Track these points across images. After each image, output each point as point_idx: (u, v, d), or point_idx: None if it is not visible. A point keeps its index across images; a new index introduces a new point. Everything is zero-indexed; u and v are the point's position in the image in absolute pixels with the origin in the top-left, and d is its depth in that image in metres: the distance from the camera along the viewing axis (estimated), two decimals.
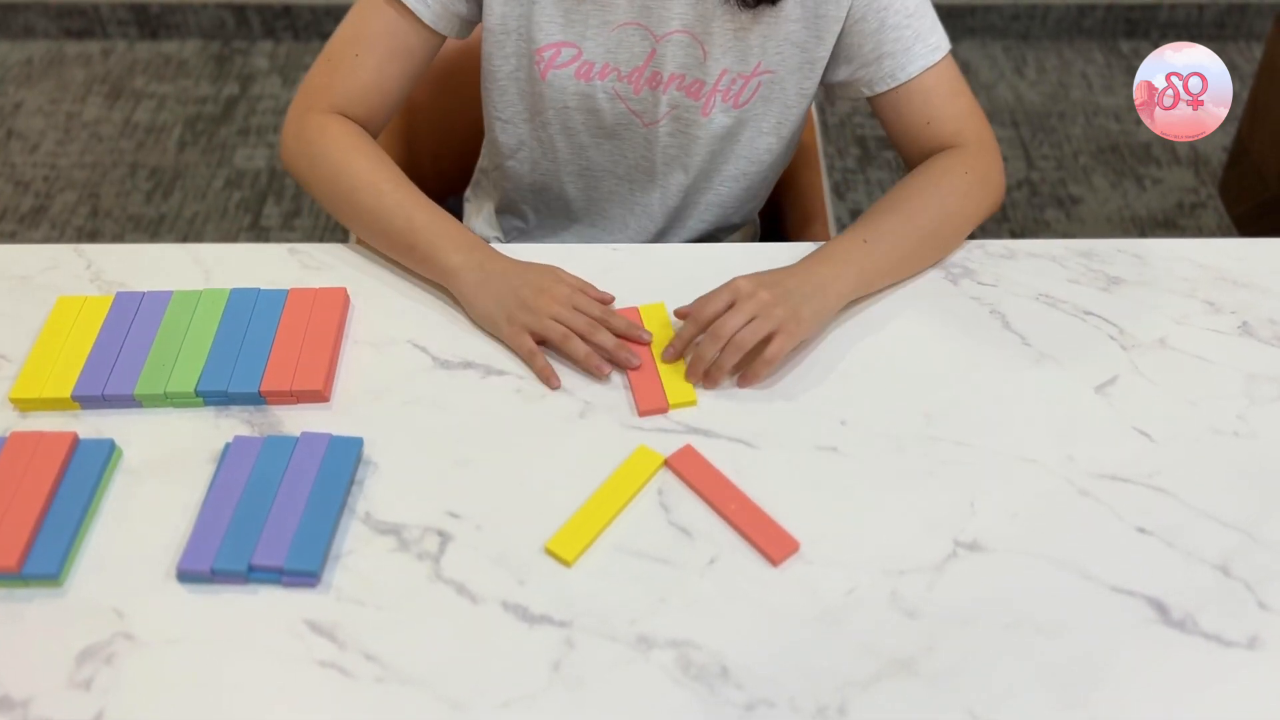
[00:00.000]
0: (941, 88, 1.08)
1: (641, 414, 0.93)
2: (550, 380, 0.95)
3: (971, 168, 1.07)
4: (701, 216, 1.22)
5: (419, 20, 1.05)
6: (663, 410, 0.94)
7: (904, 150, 1.13)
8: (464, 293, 1.00)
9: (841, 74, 1.11)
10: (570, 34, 1.06)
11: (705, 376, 0.95)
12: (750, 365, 0.95)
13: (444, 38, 1.08)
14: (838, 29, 1.07)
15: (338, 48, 1.07)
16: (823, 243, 1.04)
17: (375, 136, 1.10)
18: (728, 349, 0.93)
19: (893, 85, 1.08)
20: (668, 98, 1.10)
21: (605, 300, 1.01)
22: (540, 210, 1.25)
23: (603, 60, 1.08)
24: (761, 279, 0.97)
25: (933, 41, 1.07)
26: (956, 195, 1.06)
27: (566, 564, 0.83)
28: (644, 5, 1.04)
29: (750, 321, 0.93)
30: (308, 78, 1.09)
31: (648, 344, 0.98)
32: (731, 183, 1.20)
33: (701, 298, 0.97)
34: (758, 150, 1.17)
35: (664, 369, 0.96)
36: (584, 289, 1.00)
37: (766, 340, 0.94)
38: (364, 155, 1.05)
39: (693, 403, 0.94)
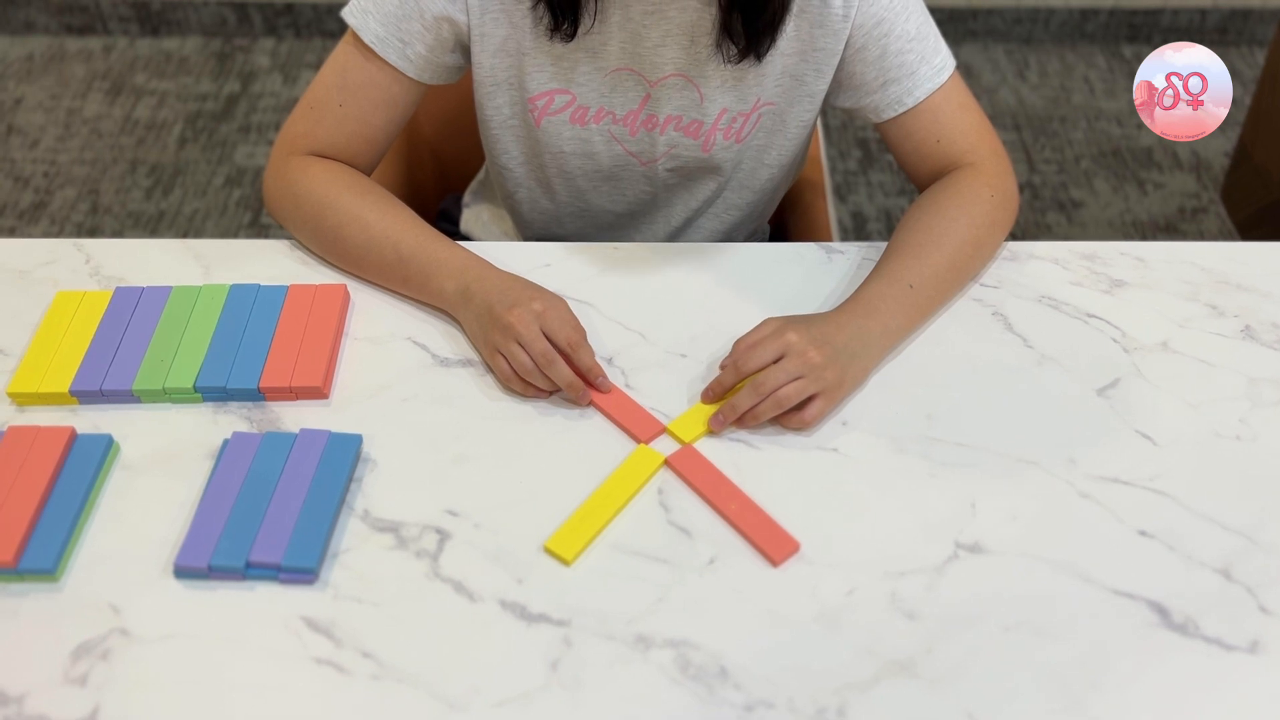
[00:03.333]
0: (950, 105, 1.06)
1: (644, 442, 0.92)
2: (536, 395, 0.94)
3: (995, 188, 1.04)
4: (704, 239, 1.22)
5: (401, 72, 1.02)
6: (660, 432, 0.92)
7: (914, 169, 1.10)
8: (458, 317, 0.99)
9: (846, 101, 1.09)
10: (562, 81, 1.04)
11: (736, 422, 0.91)
12: (784, 418, 0.91)
13: (426, 84, 1.05)
14: (835, 61, 1.04)
15: (320, 95, 1.04)
16: (865, 283, 0.99)
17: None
18: (767, 403, 0.89)
19: (900, 111, 1.05)
20: (666, 138, 1.08)
21: (577, 331, 0.94)
22: (543, 238, 1.24)
23: (597, 105, 1.06)
24: (812, 333, 0.92)
25: (937, 62, 1.04)
26: (986, 222, 1.03)
27: (566, 563, 0.83)
28: (635, 53, 1.02)
29: (795, 380, 0.89)
30: (289, 123, 1.06)
31: (607, 393, 0.94)
32: (735, 210, 1.19)
33: (748, 342, 0.93)
34: (760, 179, 1.16)
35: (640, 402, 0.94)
36: (563, 316, 0.94)
37: (807, 400, 0.90)
38: (348, 188, 1.03)
39: (688, 441, 0.92)
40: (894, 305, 0.97)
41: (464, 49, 1.05)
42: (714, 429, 0.92)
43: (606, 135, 1.08)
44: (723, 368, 0.94)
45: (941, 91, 1.05)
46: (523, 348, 0.92)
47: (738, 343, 0.94)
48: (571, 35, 1.00)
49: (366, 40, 1.01)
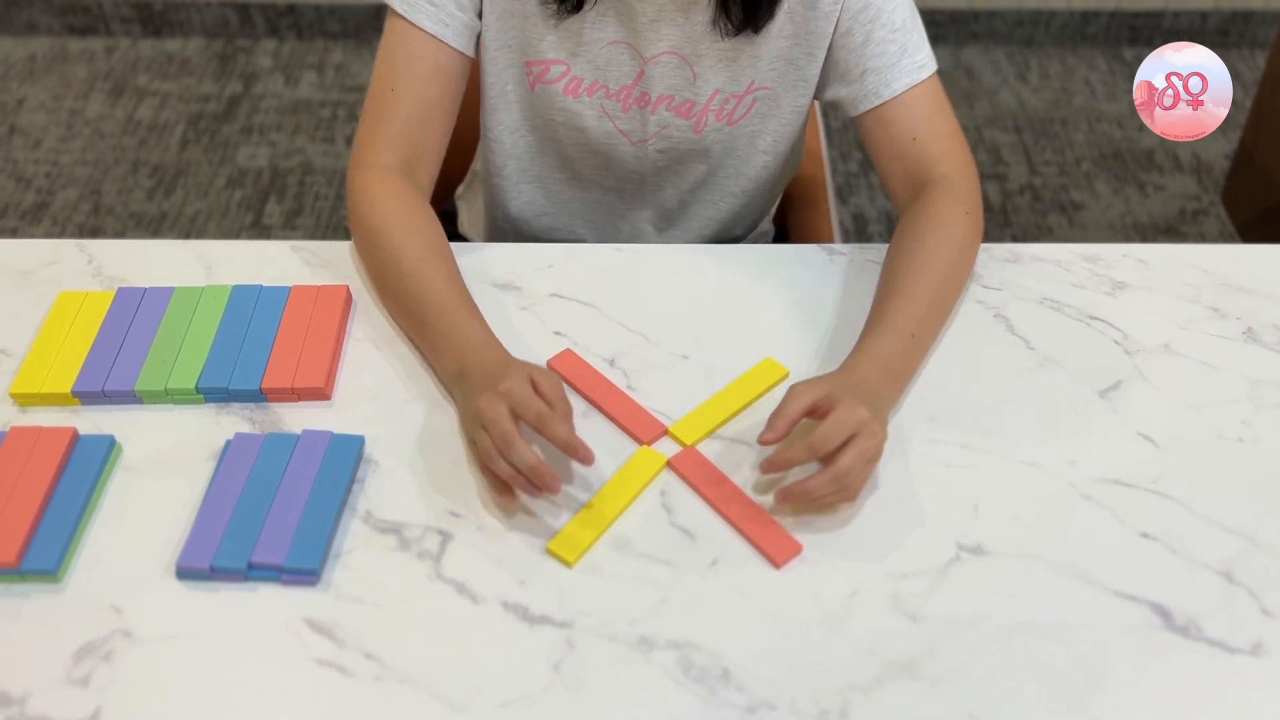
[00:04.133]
0: (927, 104, 1.05)
1: (646, 443, 0.92)
2: (515, 491, 0.85)
3: (969, 204, 1.03)
4: (699, 230, 1.22)
5: (442, 41, 1.02)
6: (662, 434, 0.93)
7: (887, 169, 1.07)
8: (453, 397, 0.94)
9: (830, 93, 1.09)
10: (560, 50, 1.05)
11: (799, 500, 0.84)
12: (827, 497, 0.85)
13: (470, 57, 1.05)
14: (826, 44, 1.05)
15: (375, 90, 1.04)
16: (875, 336, 0.94)
17: (433, 171, 1.06)
18: (834, 495, 0.84)
19: (877, 104, 1.04)
20: (657, 118, 1.09)
21: (555, 405, 0.86)
22: (528, 231, 1.23)
23: (591, 77, 1.06)
24: (873, 407, 0.85)
25: (919, 59, 1.04)
26: (966, 242, 1.02)
27: (568, 565, 0.83)
28: (631, 27, 1.03)
29: (865, 464, 0.84)
30: (358, 134, 1.05)
31: (589, 464, 0.84)
32: (730, 198, 1.19)
33: (803, 404, 0.85)
34: (754, 166, 1.16)
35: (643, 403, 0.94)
36: (546, 388, 0.86)
37: None
38: (400, 227, 1.00)
39: (691, 443, 0.92)
40: (907, 362, 0.94)
41: (479, 11, 1.05)
42: (779, 504, 0.85)
43: (598, 110, 1.09)
44: (763, 443, 0.85)
45: (921, 88, 1.04)
46: (486, 432, 0.84)
47: (786, 409, 0.85)
48: (577, 7, 1.01)
49: (396, 7, 1.01)
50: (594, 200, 1.19)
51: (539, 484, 0.83)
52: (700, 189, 1.18)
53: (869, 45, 1.03)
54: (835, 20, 1.03)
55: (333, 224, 2.32)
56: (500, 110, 1.11)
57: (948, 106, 1.07)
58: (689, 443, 0.92)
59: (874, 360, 0.92)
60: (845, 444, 0.83)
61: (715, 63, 1.05)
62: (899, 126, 1.05)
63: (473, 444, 0.88)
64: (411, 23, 1.01)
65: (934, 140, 1.05)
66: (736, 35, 1.02)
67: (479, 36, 1.07)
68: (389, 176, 1.03)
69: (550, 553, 0.84)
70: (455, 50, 1.04)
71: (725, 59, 1.05)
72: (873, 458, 0.85)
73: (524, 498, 0.87)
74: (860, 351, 0.93)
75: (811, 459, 0.84)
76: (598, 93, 1.07)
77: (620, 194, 1.18)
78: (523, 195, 1.19)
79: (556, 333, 1.01)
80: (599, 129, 1.10)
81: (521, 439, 0.83)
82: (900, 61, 1.03)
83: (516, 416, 0.84)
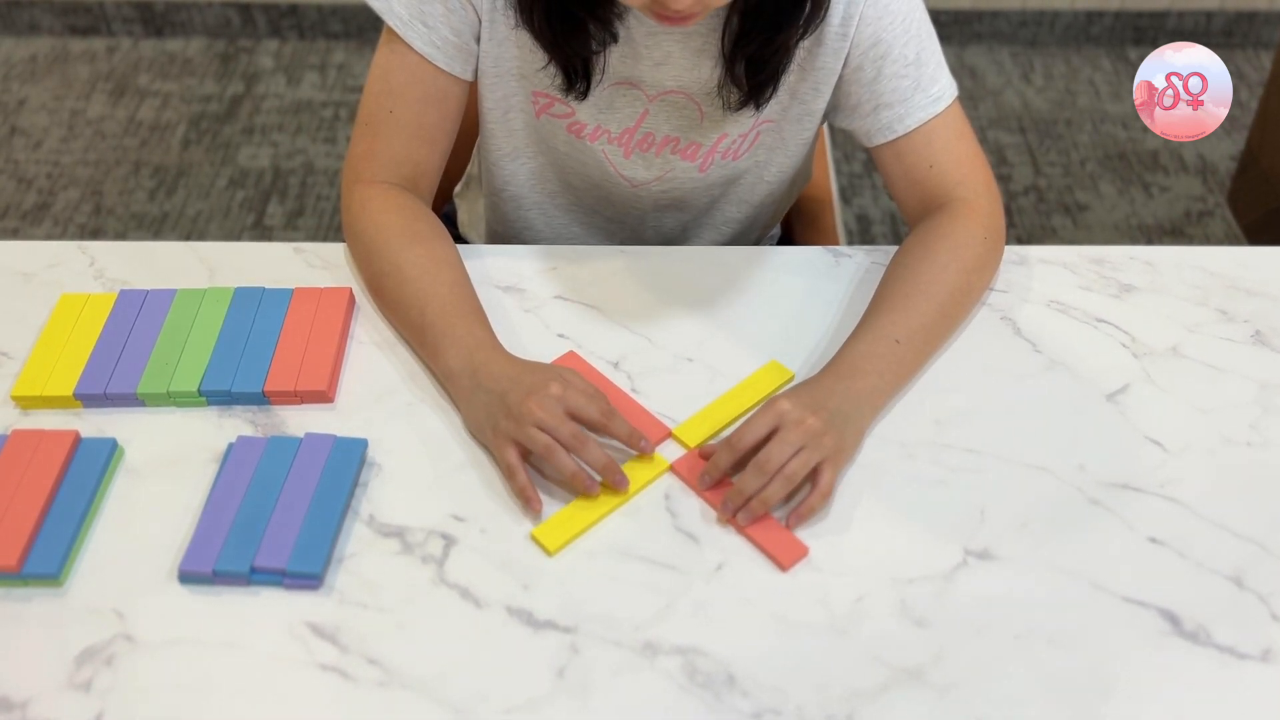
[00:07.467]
0: (946, 132, 1.02)
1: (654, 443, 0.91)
2: (530, 504, 0.85)
3: (988, 228, 1.01)
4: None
5: (440, 68, 1.00)
6: (666, 436, 0.92)
7: (903, 196, 1.05)
8: (457, 400, 0.93)
9: (842, 122, 1.07)
10: (562, 91, 1.02)
11: (744, 510, 0.84)
12: (804, 501, 0.85)
13: (468, 81, 1.03)
14: (834, 80, 1.02)
15: (371, 108, 1.02)
16: (850, 340, 0.95)
17: (434, 186, 1.06)
18: (776, 481, 0.83)
19: (890, 138, 1.03)
20: (662, 161, 1.07)
21: (604, 401, 0.89)
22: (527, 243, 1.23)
23: (594, 122, 1.04)
24: (803, 400, 0.87)
25: (934, 92, 1.01)
26: (977, 265, 1.00)
27: (549, 553, 0.83)
28: (637, 67, 1.00)
29: (798, 452, 0.84)
30: (350, 148, 1.05)
31: (650, 454, 0.89)
32: (733, 223, 1.18)
33: (742, 425, 0.87)
34: (758, 194, 1.15)
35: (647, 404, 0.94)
36: (584, 390, 0.89)
37: (813, 471, 0.85)
38: (400, 233, 1.00)
39: (694, 445, 0.91)
40: (880, 363, 0.92)
41: (478, 37, 1.02)
42: (723, 519, 0.86)
43: (600, 157, 1.07)
44: (705, 456, 0.88)
45: (938, 120, 1.02)
46: (546, 432, 0.85)
47: (719, 459, 0.88)
48: (584, 95, 1.00)
49: (391, 23, 0.99)
50: (595, 226, 1.19)
51: (610, 480, 0.86)
52: (703, 216, 1.17)
53: (880, 81, 1.00)
54: (844, 56, 1.00)
55: (334, 225, 2.31)
56: (500, 136, 1.09)
57: (968, 130, 1.04)
58: (693, 445, 0.91)
59: (836, 362, 0.93)
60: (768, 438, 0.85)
61: (722, 108, 1.03)
62: (915, 157, 1.03)
63: (504, 443, 0.87)
64: (407, 44, 0.99)
65: (952, 167, 1.03)
66: (739, 110, 1.01)
67: (477, 59, 1.05)
68: (390, 190, 1.03)
69: (533, 539, 0.83)
70: (452, 76, 1.02)
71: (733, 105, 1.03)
72: (804, 445, 0.84)
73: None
74: (832, 360, 0.93)
75: (734, 457, 0.86)
76: (600, 137, 1.06)
77: (622, 223, 1.17)
78: (521, 220, 1.19)
79: (560, 335, 1.00)
80: (600, 174, 1.09)
81: (593, 439, 0.86)
82: (914, 96, 1.01)
83: (572, 417, 0.87)
